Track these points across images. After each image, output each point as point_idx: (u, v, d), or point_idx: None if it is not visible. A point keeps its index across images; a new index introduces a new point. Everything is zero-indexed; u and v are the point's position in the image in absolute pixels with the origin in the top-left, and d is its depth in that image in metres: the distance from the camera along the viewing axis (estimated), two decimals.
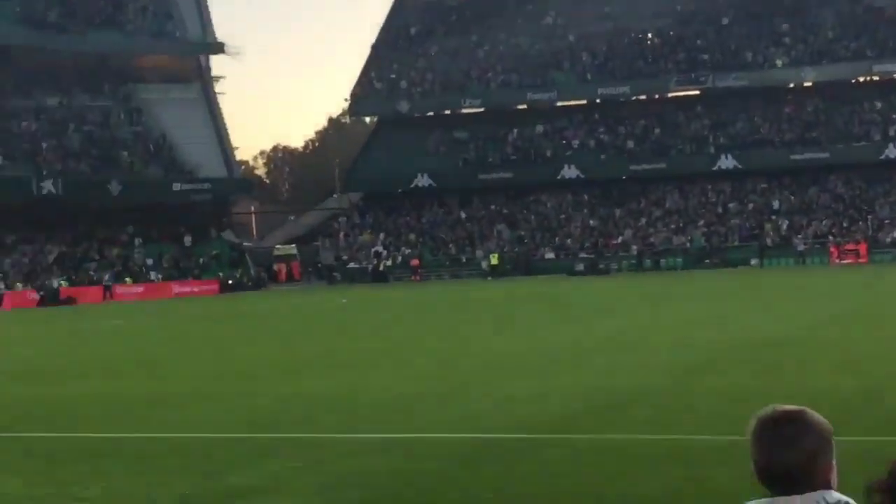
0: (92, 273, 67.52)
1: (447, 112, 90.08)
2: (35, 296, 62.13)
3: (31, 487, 9.87)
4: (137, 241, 74.75)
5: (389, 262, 77.83)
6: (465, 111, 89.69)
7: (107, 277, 65.88)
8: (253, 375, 19.97)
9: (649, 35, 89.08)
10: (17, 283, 62.98)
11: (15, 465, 11.22)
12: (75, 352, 28.38)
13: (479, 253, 77.11)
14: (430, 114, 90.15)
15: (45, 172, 71.06)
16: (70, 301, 61.22)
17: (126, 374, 21.41)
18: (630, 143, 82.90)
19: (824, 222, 73.01)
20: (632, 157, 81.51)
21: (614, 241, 76.25)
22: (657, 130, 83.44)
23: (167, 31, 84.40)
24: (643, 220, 78.46)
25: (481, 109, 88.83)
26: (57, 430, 14.11)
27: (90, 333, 36.50)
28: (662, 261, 72.82)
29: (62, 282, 64.61)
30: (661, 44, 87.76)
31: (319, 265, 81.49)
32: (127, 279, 68.48)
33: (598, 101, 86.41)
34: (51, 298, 61.44)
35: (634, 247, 74.80)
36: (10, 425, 14.34)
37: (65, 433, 13.84)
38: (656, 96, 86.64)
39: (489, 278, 70.98)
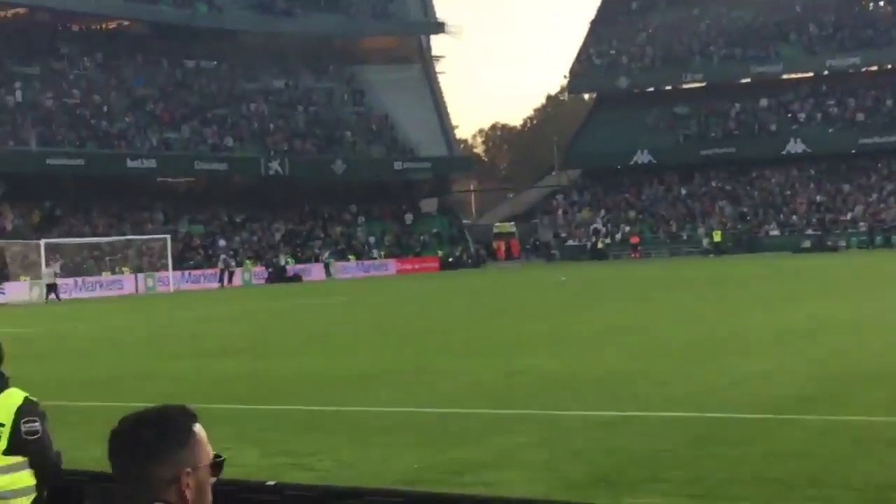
0: (317, 251, 69.38)
1: (668, 87, 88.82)
2: (263, 272, 64.21)
3: (267, 458, 10.14)
4: (360, 219, 76.42)
5: (608, 240, 77.32)
6: (686, 86, 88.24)
7: (326, 255, 67.58)
8: (478, 351, 20.09)
9: (880, 3, 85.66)
10: (247, 261, 65.21)
11: (253, 436, 11.54)
12: (303, 327, 29.15)
13: (700, 230, 75.85)
14: (651, 89, 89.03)
15: (272, 153, 73.32)
16: (296, 278, 63.03)
17: (352, 349, 21.85)
18: (860, 116, 79.97)
19: None
20: (862, 131, 78.62)
21: (843, 218, 73.77)
22: (889, 102, 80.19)
23: (389, 12, 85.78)
24: (874, 196, 75.65)
25: (703, 84, 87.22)
26: (291, 402, 14.49)
27: (316, 309, 37.45)
28: (895, 237, 70.07)
29: (288, 259, 66.54)
30: (892, 11, 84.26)
31: (538, 242, 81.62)
32: (350, 257, 70.05)
33: (825, 72, 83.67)
34: (278, 275, 63.39)
35: (864, 223, 72.22)
36: (247, 398, 14.80)
37: (299, 406, 14.21)
38: (888, 66, 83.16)
39: (711, 256, 69.76)
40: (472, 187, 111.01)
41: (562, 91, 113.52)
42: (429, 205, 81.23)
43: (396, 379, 16.45)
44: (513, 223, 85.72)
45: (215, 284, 60.16)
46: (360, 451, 10.83)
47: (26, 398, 6.59)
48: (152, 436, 2.65)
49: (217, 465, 2.75)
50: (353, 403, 14.10)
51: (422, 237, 76.43)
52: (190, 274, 61.09)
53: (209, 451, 2.73)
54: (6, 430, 6.46)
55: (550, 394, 14.16)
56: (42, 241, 54.48)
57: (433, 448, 10.85)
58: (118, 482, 2.63)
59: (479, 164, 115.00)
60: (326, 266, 66.11)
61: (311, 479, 7.43)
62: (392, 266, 70.10)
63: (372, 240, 74.11)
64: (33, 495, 6.59)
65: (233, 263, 62.61)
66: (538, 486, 8.76)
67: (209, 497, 2.73)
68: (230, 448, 10.39)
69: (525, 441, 11.07)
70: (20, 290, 52.36)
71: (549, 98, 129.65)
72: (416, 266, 70.51)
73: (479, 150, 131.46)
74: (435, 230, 77.78)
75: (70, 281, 54.67)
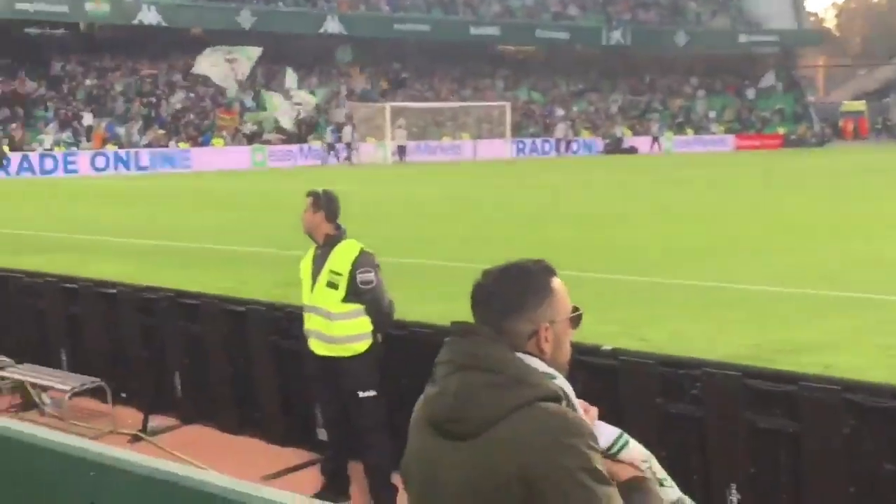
0: (653, 124, 68.33)
1: None
2: (600, 143, 64.10)
3: (601, 325, 10.20)
4: (700, 92, 74.71)
5: None
6: None
7: (656, 128, 66.42)
8: (817, 231, 19.49)
9: None
10: (584, 131, 65.21)
11: (587, 303, 11.64)
12: (639, 198, 29.01)
13: None
14: None
15: (614, 22, 72.54)
16: (632, 150, 62.60)
17: (688, 222, 21.63)
18: None
19: None
20: None
21: None
22: None
23: None
24: None
25: None
26: (626, 272, 14.54)
27: (651, 182, 37.12)
28: None
29: (625, 130, 66.07)
30: None
31: (889, 122, 77.52)
32: (688, 131, 68.82)
33: None
34: (614, 146, 63.13)
35: None
36: (583, 265, 14.85)
37: (633, 276, 14.24)
38: None
39: None
40: (820, 63, 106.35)
41: None
42: (769, 79, 77.89)
43: (732, 255, 16.19)
44: (863, 101, 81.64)
45: (552, 153, 60.64)
46: (694, 325, 10.77)
47: (362, 249, 6.94)
48: (513, 291, 2.71)
49: (576, 318, 2.79)
50: (688, 277, 14.00)
51: (763, 113, 74.05)
52: (527, 142, 61.78)
53: (568, 305, 2.77)
54: (344, 279, 6.83)
55: (892, 278, 13.58)
56: (388, 105, 56.40)
57: (769, 326, 10.67)
58: (478, 330, 2.70)
59: (829, 40, 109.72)
60: (656, 139, 64.96)
61: (642, 348, 7.43)
62: (730, 142, 68.38)
63: (711, 114, 72.40)
64: (370, 340, 6.97)
65: (571, 133, 62.82)
66: (877, 372, 8.45)
67: (567, 349, 2.78)
68: None
69: (863, 325, 10.71)
70: (367, 152, 54.56)
71: None
72: (757, 143, 68.42)
73: (830, 24, 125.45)
74: (778, 106, 75.11)
75: (412, 144, 56.48)
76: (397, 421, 4.85)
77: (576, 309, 2.80)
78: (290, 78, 55.11)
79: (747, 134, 70.18)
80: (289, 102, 55.18)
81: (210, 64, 52.15)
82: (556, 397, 2.62)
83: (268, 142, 53.85)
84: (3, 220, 22.79)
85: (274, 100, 55.13)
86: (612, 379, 6.28)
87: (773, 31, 76.64)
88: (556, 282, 2.76)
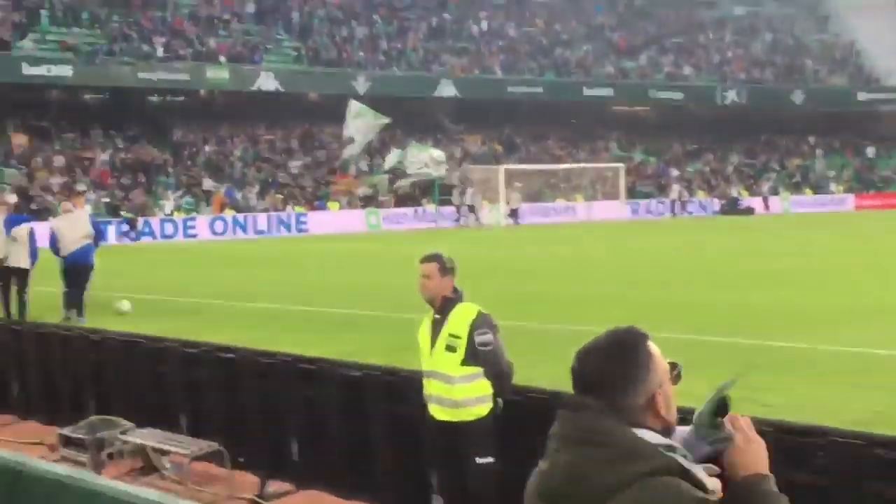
0: (763, 183, 67.21)
1: None
2: (716, 203, 63.38)
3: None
4: (818, 152, 73.60)
5: None
6: None
7: (765, 189, 65.39)
8: None
9: None
10: (699, 191, 64.59)
11: (701, 365, 11.45)
12: (753, 259, 28.60)
13: None
14: None
15: (729, 82, 72.08)
16: (748, 210, 61.78)
17: (802, 284, 21.21)
18: None
19: None
20: None
21: None
22: None
23: None
24: None
25: None
26: (741, 335, 14.29)
27: (768, 242, 36.59)
28: None
29: (741, 191, 65.29)
30: None
31: None
32: (806, 191, 67.75)
33: None
34: (730, 207, 62.35)
35: None
36: (697, 327, 14.70)
37: (748, 339, 13.98)
38: None
39: None
40: None
41: None
42: (890, 137, 76.05)
43: (858, 319, 15.81)
44: None
45: (667, 214, 60.22)
46: (818, 391, 10.54)
47: (480, 311, 6.90)
48: (619, 368, 2.66)
49: (678, 374, 2.75)
50: (812, 341, 13.70)
51: (885, 172, 72.56)
52: (642, 203, 61.40)
53: (666, 364, 2.73)
54: (462, 342, 6.79)
55: None
56: (503, 167, 56.60)
57: (894, 392, 10.38)
58: (589, 404, 2.65)
59: None
60: (766, 199, 63.82)
61: (763, 415, 7.27)
62: (850, 202, 67.04)
63: (831, 174, 71.17)
64: (490, 404, 6.91)
65: (686, 194, 62.30)
66: None
67: (675, 408, 2.74)
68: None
69: None
70: (481, 214, 54.70)
71: None
72: (878, 202, 66.97)
73: None
74: None
75: (525, 206, 56.54)
76: (513, 488, 4.79)
77: (674, 365, 2.76)
78: (394, 154, 55.73)
79: (868, 193, 68.80)
80: (429, 160, 55.31)
81: (356, 129, 53.08)
82: (668, 470, 2.57)
83: (381, 204, 54.37)
84: (125, 285, 23.29)
85: (416, 156, 55.24)
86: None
87: (892, 89, 75.34)
88: (652, 345, 2.73)
